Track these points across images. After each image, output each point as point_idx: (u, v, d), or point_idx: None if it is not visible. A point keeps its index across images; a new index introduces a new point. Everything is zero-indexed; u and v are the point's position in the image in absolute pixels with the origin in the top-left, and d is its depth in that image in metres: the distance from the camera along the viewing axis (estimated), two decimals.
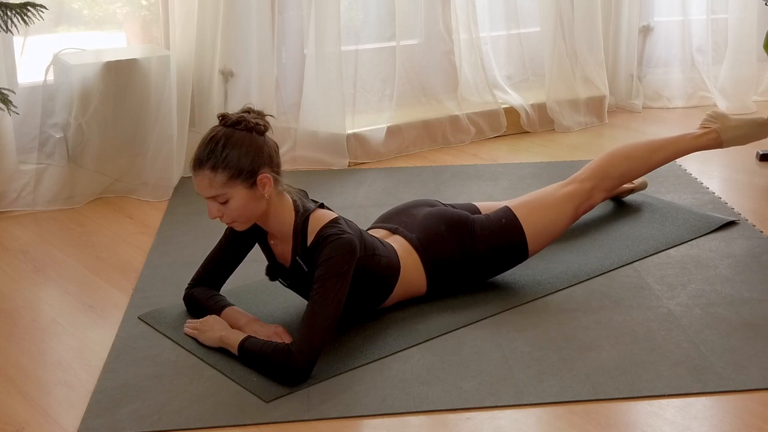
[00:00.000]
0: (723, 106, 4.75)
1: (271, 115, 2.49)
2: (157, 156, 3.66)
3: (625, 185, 3.41)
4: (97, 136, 3.59)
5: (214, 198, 2.40)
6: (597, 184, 2.99)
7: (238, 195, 2.39)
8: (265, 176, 2.40)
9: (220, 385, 2.33)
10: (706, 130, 3.18)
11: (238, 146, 2.37)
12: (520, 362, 2.43)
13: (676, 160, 3.96)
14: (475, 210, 2.97)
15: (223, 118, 2.43)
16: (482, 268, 2.81)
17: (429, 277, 2.73)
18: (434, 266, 2.73)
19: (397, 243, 2.71)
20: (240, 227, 2.48)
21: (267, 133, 2.45)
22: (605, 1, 4.69)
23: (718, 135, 3.16)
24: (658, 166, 3.17)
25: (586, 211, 3.00)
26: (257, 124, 2.42)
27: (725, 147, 3.21)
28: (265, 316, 2.63)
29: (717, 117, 3.17)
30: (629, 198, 3.49)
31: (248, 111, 2.45)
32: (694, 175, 3.82)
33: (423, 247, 2.72)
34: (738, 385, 2.33)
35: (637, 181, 3.46)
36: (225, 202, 2.40)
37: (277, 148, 2.48)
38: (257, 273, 2.74)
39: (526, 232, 2.82)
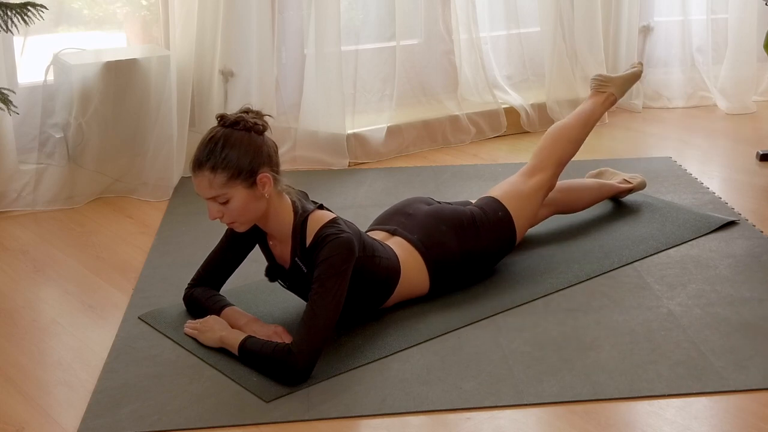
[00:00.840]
0: (723, 105, 4.76)
1: (269, 115, 2.49)
2: (157, 156, 3.66)
3: (623, 185, 3.43)
4: (97, 136, 3.59)
5: (214, 198, 2.40)
6: (555, 171, 3.10)
7: (238, 195, 2.39)
8: (264, 176, 2.40)
9: (220, 385, 2.33)
10: (605, 93, 3.29)
11: (237, 146, 2.37)
12: (520, 362, 2.43)
13: (675, 159, 3.97)
14: (467, 202, 2.98)
15: (222, 118, 2.43)
16: (481, 262, 2.83)
17: (432, 277, 2.73)
18: (437, 266, 2.73)
19: (398, 245, 2.71)
20: (240, 228, 2.48)
21: (266, 133, 2.45)
22: (605, 1, 4.68)
23: (615, 96, 3.31)
24: (585, 138, 3.27)
25: (546, 196, 3.10)
26: (256, 123, 2.42)
27: (618, 99, 3.35)
28: (265, 316, 2.63)
29: (607, 80, 3.30)
30: (629, 198, 3.50)
31: (247, 111, 2.45)
32: (694, 175, 3.82)
33: (426, 248, 2.72)
34: (738, 385, 2.33)
35: (636, 181, 3.46)
36: (225, 203, 2.40)
37: (276, 147, 2.48)
38: (257, 273, 2.74)
39: (515, 223, 2.91)
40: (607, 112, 4.60)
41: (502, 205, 2.91)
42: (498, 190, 3.00)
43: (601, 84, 3.29)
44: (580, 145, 3.20)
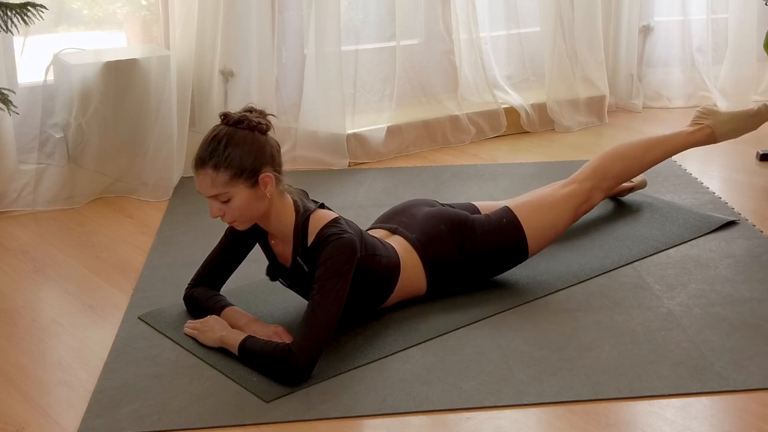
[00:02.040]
0: (723, 105, 4.75)
1: (272, 115, 2.49)
2: (157, 156, 3.66)
3: (624, 184, 3.42)
4: (97, 136, 3.59)
5: (215, 197, 2.40)
6: (596, 185, 3.01)
7: (240, 194, 2.39)
8: (267, 175, 2.40)
9: (220, 385, 2.33)
10: (699, 126, 3.21)
11: (240, 145, 2.37)
12: (520, 362, 2.43)
13: (675, 158, 3.97)
14: (475, 210, 2.97)
15: (225, 117, 2.43)
16: (482, 268, 2.81)
17: (429, 277, 2.73)
18: (434, 266, 2.73)
19: (397, 243, 2.72)
20: (241, 227, 2.48)
21: (269, 133, 2.45)
22: (605, 1, 4.68)
23: (712, 130, 3.19)
24: (654, 164, 3.21)
25: (585, 212, 3.02)
26: (259, 123, 2.42)
27: (719, 142, 3.24)
28: (265, 316, 2.63)
29: (708, 113, 3.20)
30: (629, 198, 3.50)
31: (250, 110, 2.45)
32: (694, 175, 3.82)
33: (423, 247, 2.72)
34: (738, 385, 2.33)
35: (637, 180, 3.46)
36: (227, 201, 2.40)
37: (279, 147, 2.48)
38: (257, 273, 2.74)
39: (526, 233, 2.83)
40: (606, 113, 4.62)
41: (511, 213, 2.84)
42: (518, 199, 2.94)
43: (699, 116, 3.16)
44: (637, 166, 3.06)
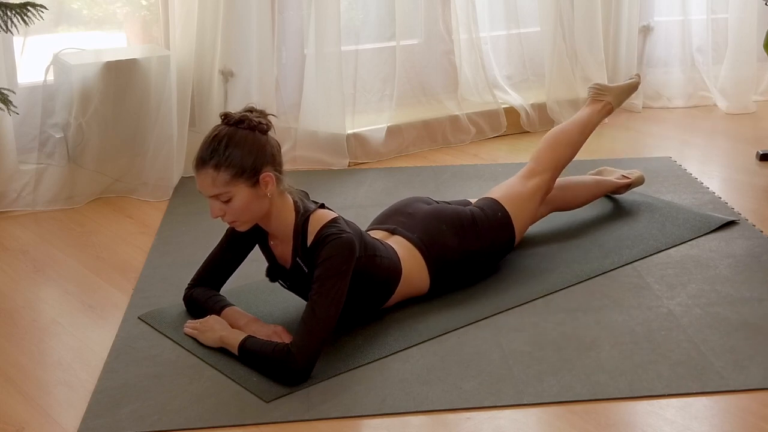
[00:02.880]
0: (723, 105, 4.76)
1: (273, 115, 2.49)
2: (157, 156, 3.66)
3: (621, 181, 3.43)
4: (97, 136, 3.59)
5: (216, 197, 2.40)
6: (553, 174, 3.13)
7: (241, 194, 2.39)
8: (267, 175, 2.40)
9: (220, 385, 2.33)
10: (603, 102, 3.33)
11: (240, 145, 2.37)
12: (520, 362, 2.43)
13: (675, 159, 3.97)
14: (467, 203, 2.99)
15: (226, 117, 2.43)
16: (481, 262, 2.83)
17: (432, 276, 2.73)
18: (438, 265, 2.73)
19: (398, 244, 2.72)
20: (241, 227, 2.48)
21: (269, 133, 2.45)
22: (605, 1, 4.68)
23: (612, 105, 3.34)
24: (583, 144, 3.31)
25: (544, 199, 3.13)
26: (260, 123, 2.42)
27: (613, 110, 3.39)
28: (265, 316, 2.63)
29: (604, 89, 3.34)
30: (629, 198, 3.49)
31: (251, 110, 2.45)
32: (694, 175, 3.82)
33: (426, 247, 2.72)
34: (738, 385, 2.33)
35: (634, 176, 3.47)
36: (227, 201, 2.40)
37: (280, 147, 2.48)
38: (257, 273, 2.74)
39: (514, 225, 2.92)
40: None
41: (502, 206, 2.92)
42: (497, 191, 3.02)
43: (598, 92, 3.33)
44: (578, 150, 3.24)
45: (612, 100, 3.32)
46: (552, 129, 3.28)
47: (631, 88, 3.40)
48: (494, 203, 2.93)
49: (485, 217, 2.86)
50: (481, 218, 2.85)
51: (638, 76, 3.46)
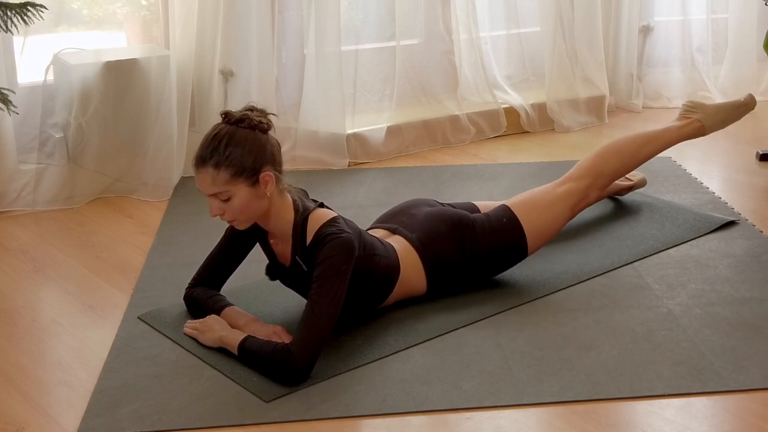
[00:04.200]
0: None
1: (273, 114, 2.49)
2: (157, 156, 3.66)
3: (623, 183, 3.43)
4: (97, 136, 3.59)
5: (216, 195, 2.40)
6: (592, 183, 3.01)
7: (240, 193, 2.39)
8: (267, 174, 2.40)
9: (220, 385, 2.33)
10: (689, 120, 3.23)
11: (241, 144, 2.37)
12: (520, 362, 2.43)
13: (675, 159, 3.97)
14: (475, 209, 2.97)
15: (226, 115, 2.43)
16: (483, 267, 2.81)
17: (429, 277, 2.73)
18: (434, 266, 2.73)
19: (397, 243, 2.72)
20: (241, 226, 2.48)
21: (270, 132, 2.45)
22: (605, 1, 4.68)
23: (702, 124, 3.21)
24: (648, 159, 3.21)
25: (581, 210, 3.03)
26: (260, 122, 2.42)
27: (708, 134, 3.26)
28: (265, 316, 2.63)
29: (696, 106, 3.23)
30: (629, 198, 3.49)
31: (251, 109, 2.45)
32: (694, 175, 3.82)
33: (423, 247, 2.72)
34: (738, 385, 2.33)
35: (636, 178, 3.46)
36: (227, 200, 2.40)
37: (279, 146, 2.48)
38: (257, 273, 2.74)
39: (525, 232, 2.83)
40: (606, 113, 4.62)
41: (511, 212, 2.84)
42: (516, 198, 2.93)
43: (687, 110, 3.20)
44: (631, 162, 3.08)
45: (702, 118, 3.14)
46: (620, 136, 3.12)
47: (735, 105, 3.18)
48: (502, 210, 2.86)
49: (488, 222, 2.82)
50: (482, 223, 2.81)
51: (751, 96, 3.22)
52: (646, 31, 4.88)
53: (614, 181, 3.20)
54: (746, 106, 3.26)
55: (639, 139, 3.15)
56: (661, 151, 3.23)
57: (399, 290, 2.67)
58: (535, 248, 2.88)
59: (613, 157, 3.07)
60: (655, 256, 3.07)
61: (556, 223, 2.92)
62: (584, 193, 2.99)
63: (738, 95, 4.71)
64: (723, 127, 3.28)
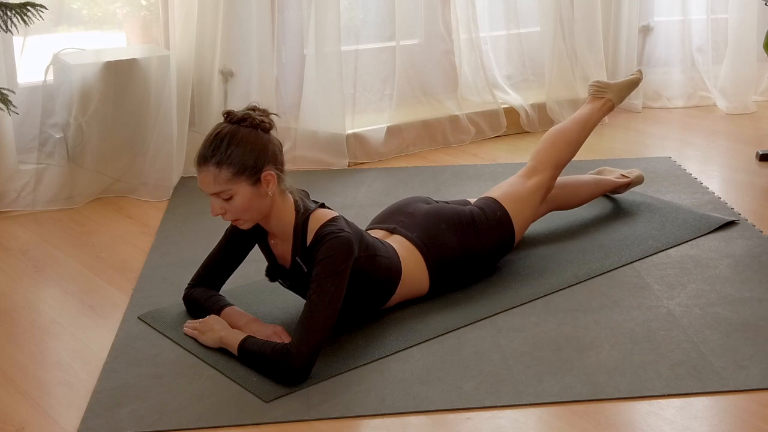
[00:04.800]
0: (723, 105, 4.76)
1: (275, 114, 2.49)
2: (157, 156, 3.66)
3: (621, 180, 3.44)
4: (97, 136, 3.59)
5: (217, 194, 2.40)
6: (553, 173, 3.11)
7: (242, 192, 2.39)
8: (269, 173, 2.40)
9: (220, 385, 2.33)
10: (603, 99, 3.31)
11: (243, 143, 2.37)
12: (520, 362, 2.43)
13: (674, 158, 3.97)
14: (466, 202, 2.99)
15: (228, 115, 2.43)
16: (481, 261, 2.83)
17: (432, 276, 2.73)
18: (437, 265, 2.73)
19: (398, 243, 2.72)
20: (243, 225, 2.48)
21: (271, 131, 2.45)
22: (605, 1, 4.68)
23: (612, 102, 3.32)
24: (583, 143, 3.29)
25: (545, 196, 3.12)
26: (262, 121, 2.42)
27: (615, 106, 3.36)
28: (265, 316, 2.63)
29: (605, 86, 3.33)
30: (629, 198, 3.49)
31: (253, 108, 2.45)
32: (694, 175, 3.82)
33: (426, 246, 2.72)
34: (738, 385, 2.33)
35: (633, 174, 3.47)
36: (228, 199, 2.40)
37: (281, 146, 2.49)
38: (257, 273, 2.74)
39: (514, 224, 2.91)
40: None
41: (501, 205, 2.92)
42: (497, 190, 3.01)
43: (598, 90, 3.31)
44: (578, 148, 3.22)
45: (613, 97, 3.30)
46: (552, 127, 3.27)
47: (633, 83, 3.38)
48: (494, 202, 2.92)
49: (484, 216, 2.86)
50: (480, 217, 2.85)
51: (640, 72, 3.45)
52: (645, 31, 4.88)
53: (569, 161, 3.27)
54: (637, 81, 3.41)
55: (576, 125, 3.24)
56: (590, 133, 3.31)
57: (401, 291, 2.67)
58: (519, 238, 2.99)
59: (565, 147, 3.17)
60: (655, 256, 3.07)
61: (533, 215, 3.05)
62: (550, 183, 3.10)
63: (738, 95, 4.75)
64: (620, 103, 3.41)
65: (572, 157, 3.20)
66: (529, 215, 3.00)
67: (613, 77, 4.76)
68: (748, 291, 2.82)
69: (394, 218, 2.84)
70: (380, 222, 2.86)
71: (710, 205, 3.48)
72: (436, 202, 2.94)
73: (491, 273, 2.90)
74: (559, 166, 3.13)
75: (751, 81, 4.81)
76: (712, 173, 3.89)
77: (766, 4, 4.30)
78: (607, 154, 4.13)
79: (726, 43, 4.83)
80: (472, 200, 3.03)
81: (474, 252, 2.80)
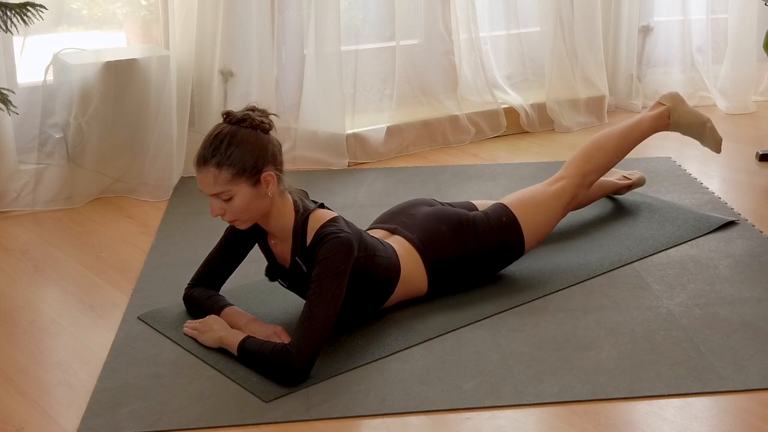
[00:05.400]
0: (723, 105, 4.76)
1: (275, 114, 2.49)
2: (157, 156, 3.66)
3: (622, 182, 3.43)
4: (97, 136, 3.59)
5: (217, 195, 2.40)
6: (581, 182, 3.03)
7: (242, 192, 2.39)
8: (269, 174, 2.40)
9: (220, 385, 2.33)
10: (661, 107, 3.20)
11: (242, 144, 2.37)
12: (520, 362, 2.43)
13: (674, 158, 3.97)
14: (473, 208, 2.98)
15: (228, 115, 2.43)
16: (483, 266, 2.82)
17: (430, 277, 2.73)
18: (435, 266, 2.73)
19: (397, 243, 2.72)
20: (242, 226, 2.48)
21: (271, 132, 2.45)
22: (605, 1, 4.68)
23: (669, 113, 3.18)
24: (629, 152, 3.18)
25: (572, 209, 3.06)
26: (262, 122, 2.42)
27: (671, 129, 3.23)
28: (265, 316, 2.63)
29: (672, 98, 3.21)
30: (629, 198, 3.50)
31: (253, 109, 2.45)
32: (693, 175, 3.82)
33: (424, 247, 2.72)
34: (738, 385, 2.33)
35: (635, 177, 3.47)
36: (228, 200, 2.40)
37: (281, 146, 2.49)
38: (257, 273, 2.74)
39: (523, 230, 2.86)
40: (606, 113, 4.62)
41: (509, 210, 2.86)
42: (512, 196, 2.96)
43: (663, 97, 3.19)
44: (616, 158, 3.08)
45: (671, 108, 3.14)
46: (598, 133, 3.13)
47: (701, 119, 3.18)
48: (500, 208, 2.88)
49: (487, 220, 2.84)
50: (482, 222, 2.83)
51: (710, 121, 3.23)
52: (645, 31, 4.88)
53: (601, 176, 3.17)
54: (709, 129, 3.20)
55: (619, 132, 3.13)
56: (639, 142, 3.19)
57: (400, 291, 2.67)
58: (531, 246, 2.91)
59: (598, 152, 3.07)
60: (655, 256, 3.07)
61: (551, 222, 2.95)
62: (575, 191, 3.00)
63: (738, 95, 4.75)
64: (684, 133, 3.23)
65: (606, 166, 3.07)
66: (543, 221, 2.91)
67: (613, 77, 4.76)
68: (748, 291, 2.82)
69: (396, 219, 2.84)
70: (383, 222, 2.86)
71: (710, 205, 3.48)
72: (441, 204, 2.93)
73: (492, 276, 2.89)
74: (588, 174, 3.02)
75: (751, 81, 4.81)
76: (712, 173, 3.89)
77: (766, 4, 4.30)
78: None
79: (726, 43, 4.83)
80: (477, 202, 3.02)
81: (473, 255, 2.79)
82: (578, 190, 3.02)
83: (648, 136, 3.20)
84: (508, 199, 2.93)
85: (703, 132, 3.21)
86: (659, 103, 3.23)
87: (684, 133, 3.25)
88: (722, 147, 3.30)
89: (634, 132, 3.15)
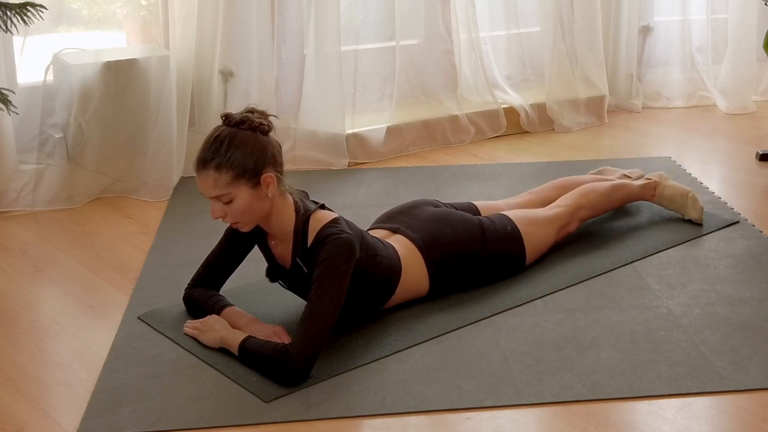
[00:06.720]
0: (723, 105, 4.76)
1: (274, 115, 2.49)
2: (157, 156, 3.66)
3: (623, 180, 3.44)
4: (97, 136, 3.59)
5: (217, 198, 2.40)
6: (575, 211, 3.11)
7: (242, 195, 2.39)
8: (268, 176, 2.40)
9: (220, 385, 2.33)
10: (650, 181, 3.34)
11: (242, 146, 2.37)
12: (520, 362, 2.43)
13: (674, 158, 3.97)
14: (475, 210, 2.98)
15: (227, 117, 2.43)
16: (485, 272, 2.82)
17: (432, 277, 2.73)
18: (438, 267, 2.73)
19: (399, 243, 2.71)
20: (244, 228, 2.48)
21: (270, 133, 2.45)
22: (605, 1, 4.68)
23: (655, 186, 3.32)
24: (616, 205, 3.30)
25: (563, 236, 3.11)
26: (261, 123, 2.42)
27: (655, 201, 3.35)
28: (265, 316, 2.63)
29: (659, 175, 3.36)
30: None
31: (252, 111, 2.45)
32: (694, 175, 3.82)
33: (427, 247, 2.72)
34: (738, 385, 2.33)
35: (635, 175, 3.47)
36: (228, 202, 2.40)
37: (280, 147, 2.49)
38: (257, 273, 2.74)
39: (525, 243, 2.89)
40: (606, 113, 4.63)
41: (513, 222, 2.90)
42: (514, 210, 3.01)
43: (651, 175, 3.35)
44: (607, 202, 3.22)
45: (658, 180, 3.30)
46: (591, 184, 3.25)
47: (683, 191, 3.29)
48: (505, 218, 2.91)
49: (494, 227, 2.85)
50: (489, 228, 2.84)
51: (695, 196, 3.31)
52: (645, 31, 4.88)
53: (590, 217, 3.22)
54: (688, 194, 3.30)
55: (611, 186, 3.25)
56: (626, 202, 3.32)
57: (401, 291, 2.67)
58: (531, 261, 2.95)
59: (591, 194, 3.17)
60: (655, 256, 3.07)
61: (548, 241, 3.01)
62: (569, 219, 3.08)
63: (738, 95, 4.75)
64: (666, 206, 3.33)
65: (597, 208, 3.19)
66: (541, 240, 2.96)
67: (613, 77, 4.77)
68: (748, 291, 2.82)
69: (398, 219, 2.84)
70: (385, 221, 2.86)
71: (710, 205, 3.48)
72: (444, 205, 2.93)
73: (492, 281, 2.89)
74: (581, 209, 3.12)
75: (751, 81, 4.82)
76: (712, 173, 3.89)
77: (766, 4, 4.30)
78: (607, 153, 4.13)
79: (726, 43, 4.83)
80: (478, 203, 3.03)
81: (477, 259, 2.79)
82: (571, 220, 3.09)
83: (633, 200, 3.33)
84: (511, 213, 2.96)
85: (686, 203, 3.30)
86: (647, 178, 3.36)
87: (667, 206, 3.34)
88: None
89: (624, 190, 3.27)
